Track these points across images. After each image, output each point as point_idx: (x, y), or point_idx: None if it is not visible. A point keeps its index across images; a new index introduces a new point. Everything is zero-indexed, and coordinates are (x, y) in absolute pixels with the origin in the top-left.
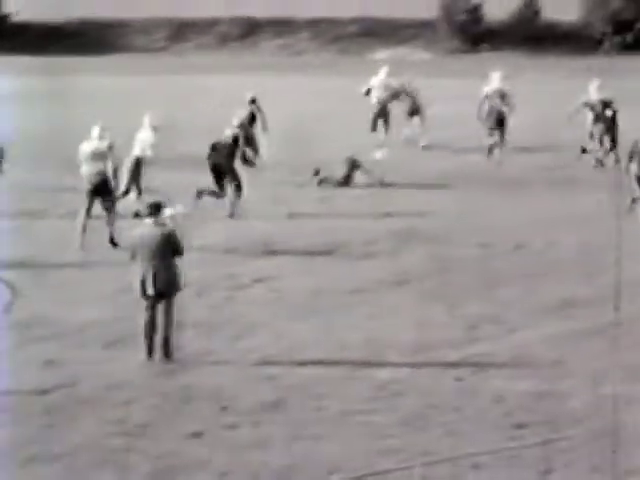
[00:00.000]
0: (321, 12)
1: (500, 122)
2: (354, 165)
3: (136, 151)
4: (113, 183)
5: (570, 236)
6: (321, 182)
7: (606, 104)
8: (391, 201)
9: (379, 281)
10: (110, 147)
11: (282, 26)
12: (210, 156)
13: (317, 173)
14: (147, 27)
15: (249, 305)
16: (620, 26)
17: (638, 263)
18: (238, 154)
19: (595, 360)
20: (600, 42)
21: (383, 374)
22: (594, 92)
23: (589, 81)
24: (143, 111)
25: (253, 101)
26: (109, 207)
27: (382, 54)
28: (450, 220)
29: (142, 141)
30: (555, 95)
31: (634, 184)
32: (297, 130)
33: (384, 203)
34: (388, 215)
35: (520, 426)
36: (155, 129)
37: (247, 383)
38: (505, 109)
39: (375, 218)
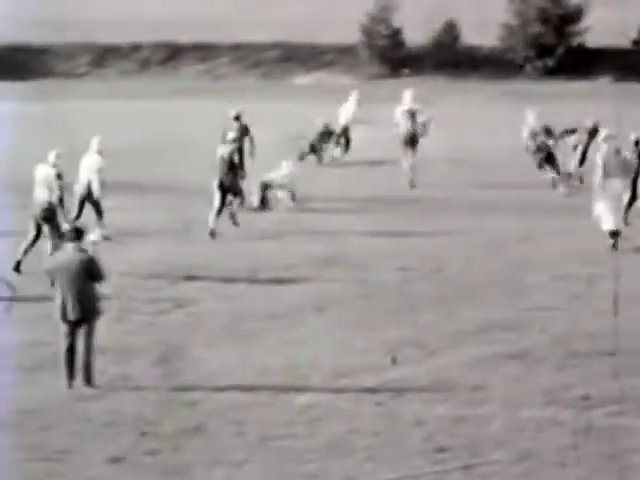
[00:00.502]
0: (242, 37)
1: (412, 141)
2: (266, 187)
3: (85, 176)
4: (59, 211)
5: (489, 259)
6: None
7: (548, 131)
8: (312, 225)
9: (299, 306)
10: (59, 175)
11: (203, 51)
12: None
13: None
14: (70, 52)
15: (169, 330)
16: (542, 50)
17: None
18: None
19: (514, 384)
20: (522, 66)
21: (303, 399)
22: (532, 120)
23: (512, 106)
24: (76, 137)
25: (237, 118)
26: (53, 234)
27: (303, 79)
28: (370, 244)
29: (91, 165)
30: (474, 118)
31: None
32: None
33: (305, 227)
34: (309, 239)
35: (441, 450)
36: (101, 153)
37: (167, 408)
38: (418, 128)
39: (296, 242)
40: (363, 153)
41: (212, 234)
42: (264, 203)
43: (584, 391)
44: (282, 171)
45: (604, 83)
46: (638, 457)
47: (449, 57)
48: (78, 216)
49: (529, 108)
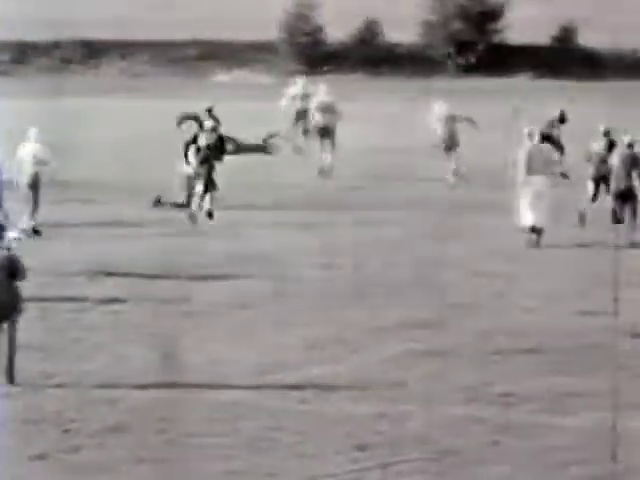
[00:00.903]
0: (162, 35)
1: (327, 134)
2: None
3: (29, 167)
4: None
5: (407, 256)
6: (157, 203)
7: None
8: (231, 223)
9: (220, 303)
10: None
11: (124, 49)
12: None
13: (159, 201)
14: None
15: (91, 328)
16: (462, 47)
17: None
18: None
19: (435, 381)
20: (442, 63)
21: (225, 396)
22: (444, 110)
23: (432, 103)
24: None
25: (210, 110)
26: None
27: (222, 77)
28: (290, 242)
29: (32, 156)
30: (392, 115)
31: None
32: (134, 152)
33: (224, 225)
34: (229, 237)
35: (361, 448)
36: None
37: (89, 406)
38: (330, 120)
39: (216, 239)
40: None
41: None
42: (188, 202)
43: (505, 388)
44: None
45: (524, 80)
46: (559, 454)
47: (370, 54)
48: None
49: (439, 102)
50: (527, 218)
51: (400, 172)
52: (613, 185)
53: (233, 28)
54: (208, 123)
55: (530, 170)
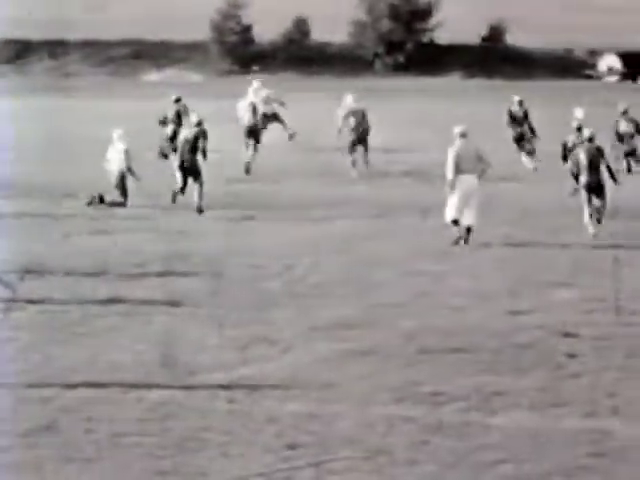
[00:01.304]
0: (92, 34)
1: (254, 133)
2: (122, 180)
3: None
4: None
5: (337, 256)
6: (90, 203)
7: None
8: (165, 222)
9: (150, 302)
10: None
11: (53, 48)
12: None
13: (94, 200)
14: None
15: (21, 327)
16: (391, 47)
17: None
18: (200, 150)
19: (365, 380)
20: (372, 63)
21: (154, 396)
22: (350, 102)
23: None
24: None
25: (178, 100)
26: None
27: (154, 76)
28: (221, 242)
29: None
30: (322, 114)
31: None
32: (63, 151)
33: (158, 224)
34: (161, 236)
35: (292, 447)
36: None
37: (19, 405)
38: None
39: (148, 239)
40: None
41: (199, 210)
42: (124, 195)
43: (434, 388)
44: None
45: (454, 79)
46: (488, 454)
47: (299, 53)
48: None
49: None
50: (456, 216)
51: (327, 170)
52: (583, 180)
53: (165, 28)
54: (194, 117)
55: (459, 169)
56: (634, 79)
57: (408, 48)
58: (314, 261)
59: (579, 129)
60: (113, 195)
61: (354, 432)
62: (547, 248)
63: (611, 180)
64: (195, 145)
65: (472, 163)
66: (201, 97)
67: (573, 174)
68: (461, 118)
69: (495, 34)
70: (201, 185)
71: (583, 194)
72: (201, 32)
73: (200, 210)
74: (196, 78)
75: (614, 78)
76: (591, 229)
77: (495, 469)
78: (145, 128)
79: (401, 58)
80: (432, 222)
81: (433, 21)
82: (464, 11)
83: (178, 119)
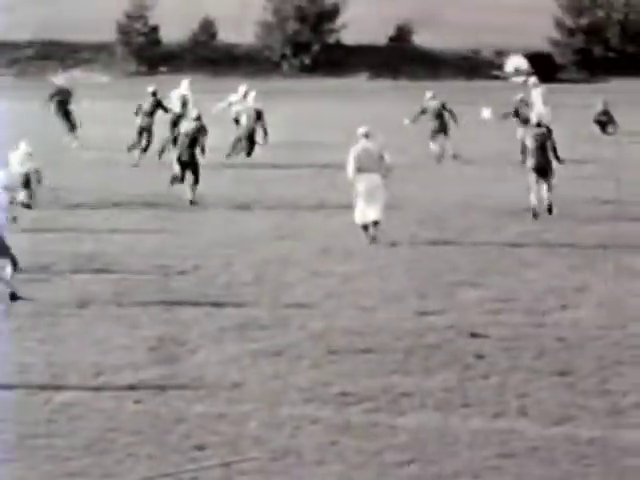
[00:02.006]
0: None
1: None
2: (28, 180)
3: None
4: None
5: (246, 256)
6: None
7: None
8: (72, 222)
9: (57, 304)
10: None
11: None
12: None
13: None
14: None
15: None
16: (298, 48)
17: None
18: (199, 145)
19: (273, 381)
20: (279, 64)
21: (61, 397)
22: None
23: (268, 104)
24: None
25: (154, 94)
26: None
27: (60, 77)
28: (129, 242)
29: None
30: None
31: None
32: None
33: (67, 224)
34: (69, 237)
35: (200, 448)
36: None
37: None
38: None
39: (56, 241)
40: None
41: (193, 202)
42: (31, 197)
43: (342, 388)
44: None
45: (361, 80)
46: (396, 454)
47: (207, 54)
48: None
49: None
50: (362, 215)
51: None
52: (530, 162)
53: (72, 29)
54: (194, 111)
55: (362, 167)
56: (541, 79)
57: (314, 49)
58: (223, 261)
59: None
60: (21, 196)
61: (262, 432)
62: (456, 247)
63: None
64: (194, 139)
65: (375, 162)
66: (107, 98)
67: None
68: (366, 118)
69: (402, 34)
70: (197, 179)
71: (531, 177)
72: (108, 33)
73: (192, 203)
74: (103, 79)
75: (521, 78)
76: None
77: (403, 469)
78: (52, 129)
79: (306, 60)
80: (337, 221)
81: (339, 22)
82: (370, 12)
83: (152, 111)
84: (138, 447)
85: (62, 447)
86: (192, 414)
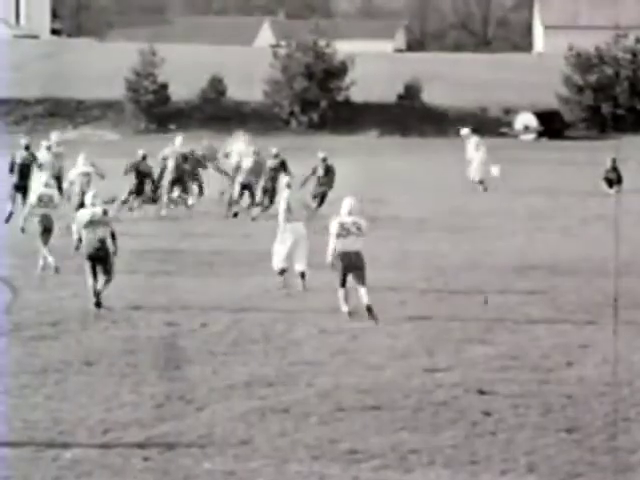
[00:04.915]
0: (8, 92)
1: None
2: None
3: None
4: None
5: (253, 314)
6: None
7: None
8: (77, 280)
9: (65, 361)
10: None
11: None
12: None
13: None
14: None
15: None
16: (306, 105)
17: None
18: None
19: (281, 438)
20: (287, 122)
21: (69, 454)
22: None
23: None
24: None
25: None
26: None
27: (69, 133)
28: (136, 298)
29: None
30: None
31: None
32: None
33: (66, 282)
34: (73, 294)
35: None
36: None
37: None
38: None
39: (60, 297)
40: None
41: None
42: None
43: (350, 445)
44: None
45: (370, 137)
46: None
47: (216, 112)
48: None
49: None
50: (283, 265)
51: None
52: None
53: (81, 86)
54: (273, 150)
55: (289, 217)
56: (550, 137)
57: (323, 106)
58: (230, 318)
59: None
60: None
61: None
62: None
63: None
64: (277, 175)
65: (300, 211)
66: (116, 156)
67: None
68: (375, 174)
69: (410, 92)
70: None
71: None
72: (117, 90)
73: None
74: (112, 137)
75: (530, 136)
76: None
77: None
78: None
79: (315, 117)
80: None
81: (347, 80)
82: (379, 69)
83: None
84: None
85: None
86: (200, 471)
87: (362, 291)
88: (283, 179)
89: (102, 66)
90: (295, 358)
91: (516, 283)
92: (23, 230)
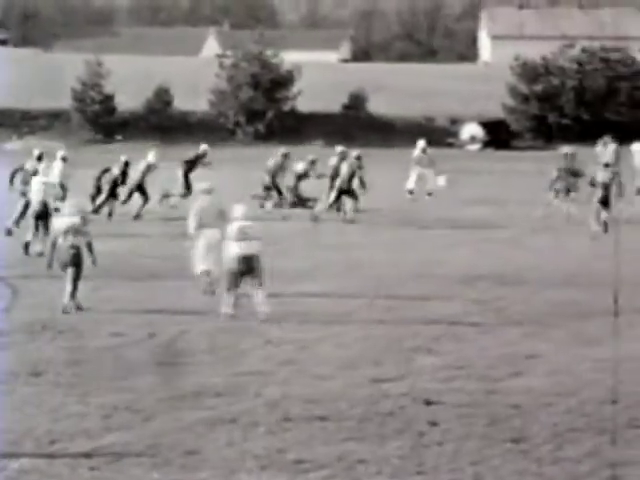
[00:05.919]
0: None
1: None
2: None
3: None
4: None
5: (201, 324)
6: None
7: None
8: (28, 293)
9: (12, 372)
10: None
11: None
12: None
13: None
14: None
15: None
16: (252, 115)
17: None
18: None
19: (229, 448)
20: (233, 132)
21: (17, 464)
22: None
23: (223, 171)
24: None
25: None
26: None
27: (14, 144)
28: (82, 310)
29: None
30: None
31: None
32: None
33: (20, 295)
34: (21, 306)
35: None
36: None
37: None
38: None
39: (7, 309)
40: None
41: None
42: None
43: (298, 455)
44: None
45: (317, 147)
46: None
47: (162, 122)
48: None
49: None
50: (205, 267)
51: None
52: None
53: (27, 96)
54: (353, 153)
55: (202, 224)
56: (496, 147)
57: (269, 117)
58: (178, 329)
59: None
60: None
61: None
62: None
63: None
64: (351, 178)
65: (214, 218)
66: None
67: None
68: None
69: (356, 102)
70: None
71: None
72: (63, 101)
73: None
74: (58, 147)
75: (476, 146)
76: None
77: None
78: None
79: (261, 127)
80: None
81: (294, 90)
82: (325, 79)
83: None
84: None
85: None
86: None
87: (260, 295)
88: (200, 185)
89: (48, 76)
90: (243, 368)
91: (463, 293)
92: None
